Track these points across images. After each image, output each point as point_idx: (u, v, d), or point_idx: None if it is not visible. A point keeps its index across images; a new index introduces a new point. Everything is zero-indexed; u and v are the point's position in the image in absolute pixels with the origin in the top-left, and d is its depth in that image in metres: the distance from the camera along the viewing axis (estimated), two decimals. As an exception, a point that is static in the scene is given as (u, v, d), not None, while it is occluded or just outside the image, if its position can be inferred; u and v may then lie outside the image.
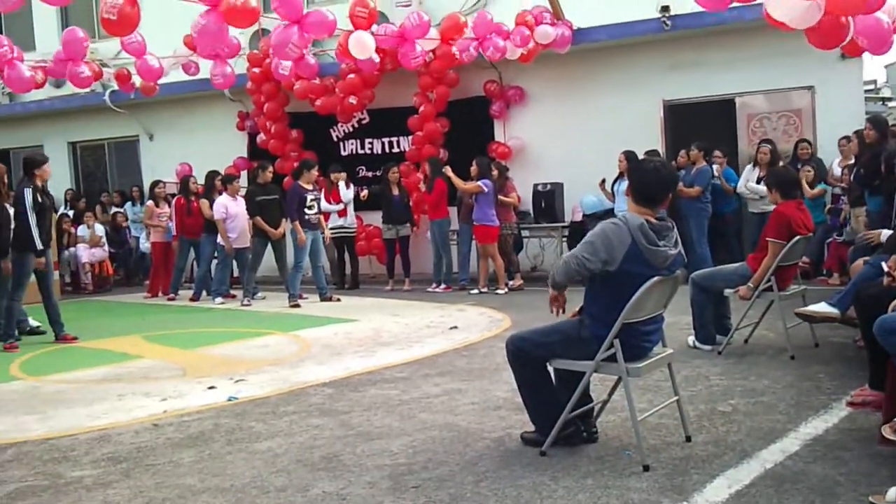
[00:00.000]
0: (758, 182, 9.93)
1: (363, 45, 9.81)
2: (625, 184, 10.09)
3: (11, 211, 8.46)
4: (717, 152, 10.56)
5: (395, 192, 11.51)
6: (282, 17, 8.87)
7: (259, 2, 12.60)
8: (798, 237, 5.87)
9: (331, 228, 11.30)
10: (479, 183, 10.30)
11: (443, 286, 11.05)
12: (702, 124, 11.25)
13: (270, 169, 11.00)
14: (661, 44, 11.30)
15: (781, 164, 10.13)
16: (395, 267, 11.67)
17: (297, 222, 10.21)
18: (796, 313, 5.52)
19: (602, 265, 3.70)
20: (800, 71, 10.49)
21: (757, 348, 6.15)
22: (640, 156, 10.23)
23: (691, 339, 6.24)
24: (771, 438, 3.99)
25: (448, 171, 10.54)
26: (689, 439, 4.01)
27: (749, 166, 10.37)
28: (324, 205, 11.10)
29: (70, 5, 7.10)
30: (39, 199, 7.95)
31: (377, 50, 10.71)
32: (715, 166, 10.44)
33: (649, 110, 11.41)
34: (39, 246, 7.93)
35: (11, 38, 11.14)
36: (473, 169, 10.49)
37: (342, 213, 11.64)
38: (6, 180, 8.40)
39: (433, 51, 11.10)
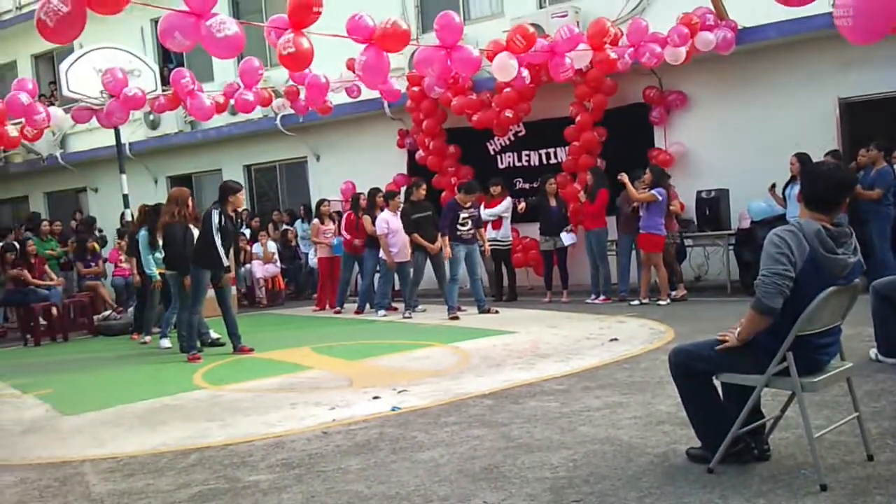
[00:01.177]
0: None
1: (507, 68, 9.90)
2: (797, 188, 9.56)
3: (195, 231, 9.12)
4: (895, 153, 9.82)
5: (553, 203, 11.47)
6: (437, 37, 9.09)
7: (417, 25, 13.05)
8: None
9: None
10: (653, 192, 10.07)
11: (601, 297, 10.89)
12: (882, 122, 10.49)
13: (424, 186, 11.25)
14: (834, 40, 10.56)
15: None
16: (553, 278, 11.61)
17: (446, 237, 10.41)
18: None
19: (794, 269, 3.50)
20: None
21: (950, 362, 5.66)
22: (816, 158, 9.71)
23: (873, 352, 5.82)
24: (965, 459, 3.67)
25: (624, 178, 10.32)
26: (871, 458, 3.74)
27: (938, 166, 9.57)
28: (483, 213, 11.40)
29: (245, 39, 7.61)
30: (223, 223, 8.50)
31: (528, 66, 10.80)
32: (896, 166, 9.71)
33: (823, 110, 10.77)
34: (225, 262, 8.48)
35: (193, 71, 12.06)
36: (647, 177, 10.27)
37: (496, 226, 11.72)
38: (189, 203, 9.04)
39: (591, 61, 11.01)
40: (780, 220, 9.37)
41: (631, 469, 3.93)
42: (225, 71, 15.83)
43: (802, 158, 9.56)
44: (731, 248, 10.88)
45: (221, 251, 8.42)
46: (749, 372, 3.68)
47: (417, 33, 13.06)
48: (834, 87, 10.75)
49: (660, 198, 10.04)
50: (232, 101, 11.94)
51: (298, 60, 7.88)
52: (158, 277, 9.99)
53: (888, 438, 4.06)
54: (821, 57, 10.80)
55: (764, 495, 3.44)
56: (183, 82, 11.16)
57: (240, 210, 9.07)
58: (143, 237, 10.06)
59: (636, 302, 10.28)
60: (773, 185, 10.00)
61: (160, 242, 9.73)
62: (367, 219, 11.56)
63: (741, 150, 11.27)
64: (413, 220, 10.76)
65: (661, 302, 10.14)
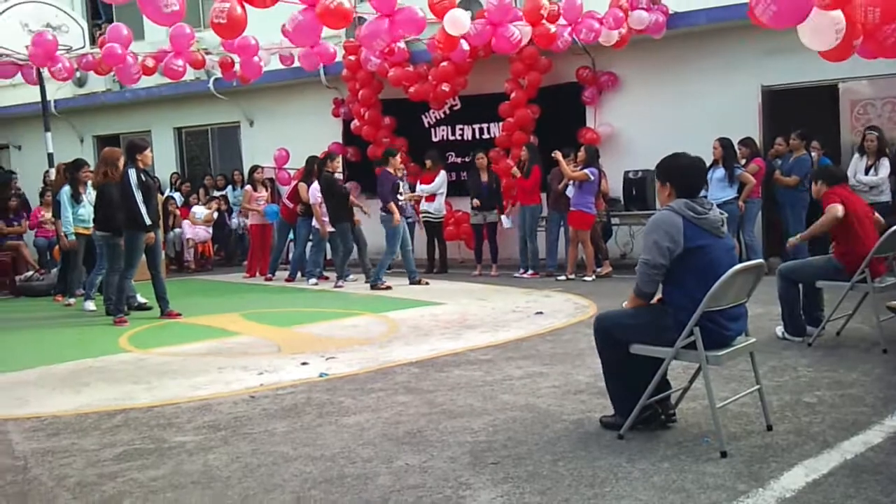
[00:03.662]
0: (866, 172, 9.59)
1: (458, 23, 9.90)
2: (720, 171, 9.93)
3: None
4: (814, 142, 10.27)
5: (484, 178, 11.61)
6: (375, 9, 9.10)
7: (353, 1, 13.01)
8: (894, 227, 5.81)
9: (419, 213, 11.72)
10: (586, 171, 10.29)
11: (530, 272, 11.13)
12: (802, 111, 10.91)
13: (338, 159, 11.34)
14: (759, 28, 10.97)
15: (888, 151, 9.80)
16: (484, 252, 11.80)
17: (391, 204, 10.46)
18: (888, 307, 5.40)
19: (670, 254, 3.82)
20: (907, 55, 10.04)
21: (849, 341, 6.03)
22: (735, 143, 10.06)
23: (779, 330, 6.16)
24: (854, 430, 3.96)
25: (558, 156, 10.47)
26: (770, 428, 4.01)
27: (856, 156, 9.99)
28: (418, 188, 11.68)
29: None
30: (143, 179, 8.39)
31: (470, 42, 10.88)
32: (813, 154, 10.16)
33: (747, 96, 11.13)
34: (148, 221, 8.37)
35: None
36: (581, 156, 10.49)
37: (430, 199, 11.85)
38: (119, 164, 8.86)
39: (534, 36, 11.09)
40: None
41: (547, 435, 4.12)
42: (156, 29, 15.42)
43: (725, 143, 9.91)
44: (655, 227, 11.19)
45: (143, 209, 8.31)
46: (663, 344, 3.89)
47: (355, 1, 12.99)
48: (758, 74, 11.12)
49: (592, 177, 10.28)
50: (161, 65, 11.70)
51: (230, 29, 7.81)
52: (74, 237, 9.83)
53: (787, 410, 4.35)
54: (746, 45, 11.14)
55: (668, 460, 3.67)
56: (118, 52, 10.90)
57: (148, 167, 8.91)
58: (66, 192, 9.87)
59: (563, 277, 10.54)
60: (697, 168, 10.32)
61: (85, 199, 9.65)
62: (302, 186, 11.50)
63: (668, 132, 11.55)
64: (340, 185, 10.80)
65: (586, 278, 10.42)
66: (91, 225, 9.49)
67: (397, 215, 10.42)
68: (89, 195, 9.77)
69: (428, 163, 12.00)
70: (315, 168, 11.33)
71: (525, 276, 11.08)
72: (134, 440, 4.34)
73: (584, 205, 10.33)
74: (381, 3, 9.00)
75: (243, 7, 7.69)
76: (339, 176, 11.36)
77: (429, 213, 11.87)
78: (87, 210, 9.76)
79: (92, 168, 10.09)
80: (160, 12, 7.21)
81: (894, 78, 10.54)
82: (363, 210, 10.96)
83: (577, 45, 11.44)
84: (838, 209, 5.84)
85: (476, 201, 11.59)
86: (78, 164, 10.04)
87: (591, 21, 11.00)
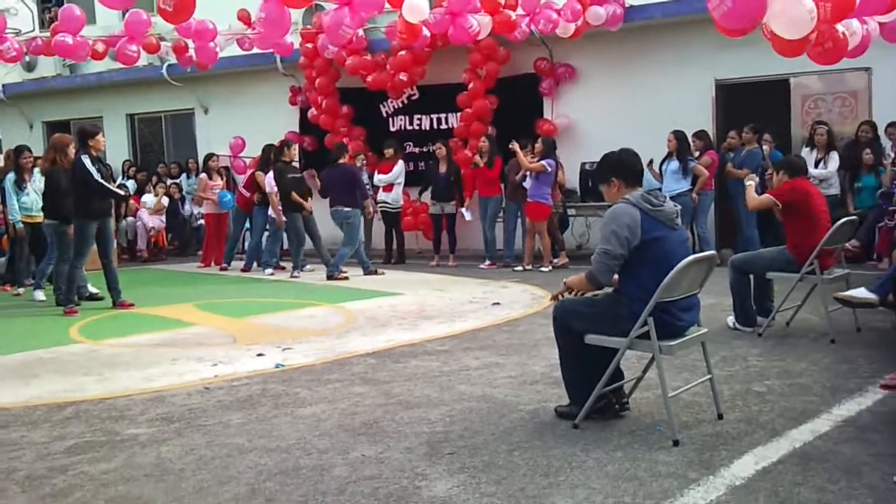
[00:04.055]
0: (816, 165, 9.79)
1: (416, 9, 9.84)
2: (674, 164, 10.07)
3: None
4: (766, 136, 10.45)
5: (443, 168, 11.60)
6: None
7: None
8: (844, 219, 5.97)
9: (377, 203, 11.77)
10: (543, 162, 10.33)
11: (487, 263, 11.16)
12: (754, 105, 11.09)
13: (295, 146, 11.27)
14: (713, 23, 11.13)
15: (837, 145, 10.00)
16: (442, 243, 11.80)
17: (368, 200, 10.58)
18: (835, 298, 5.51)
19: (629, 244, 3.86)
20: (857, 51, 10.24)
21: (798, 331, 6.16)
22: (689, 135, 10.20)
23: (731, 320, 6.28)
24: (803, 419, 4.05)
25: (515, 146, 10.48)
26: (720, 417, 4.09)
27: (806, 150, 10.18)
28: (376, 178, 11.69)
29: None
30: (98, 167, 8.23)
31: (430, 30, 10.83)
32: (764, 147, 10.33)
33: (701, 90, 11.29)
34: (121, 193, 8.29)
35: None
36: (538, 147, 10.52)
37: (387, 189, 11.82)
38: (69, 151, 8.66)
39: (494, 25, 11.07)
40: (657, 194, 9.84)
41: (503, 425, 4.15)
42: (109, 13, 15.10)
43: (679, 136, 10.04)
44: (611, 219, 11.30)
45: (110, 186, 8.23)
46: (618, 334, 3.93)
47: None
48: (712, 68, 11.27)
49: (549, 168, 10.34)
50: (113, 50, 11.43)
51: (177, 14, 7.68)
52: (21, 225, 9.61)
53: (737, 399, 4.43)
54: (701, 39, 11.24)
55: (622, 448, 3.72)
56: (69, 42, 10.65)
57: (101, 153, 8.75)
58: (10, 180, 9.64)
59: (520, 268, 10.59)
60: (651, 161, 10.45)
61: (29, 187, 9.45)
62: (260, 175, 11.38)
63: (624, 124, 11.66)
64: (289, 179, 10.70)
65: (543, 269, 10.48)
66: (35, 213, 9.31)
67: (370, 209, 10.61)
68: (35, 183, 9.57)
69: (388, 152, 11.94)
70: (272, 156, 11.24)
71: (483, 266, 11.10)
72: (85, 433, 4.27)
73: (540, 196, 10.39)
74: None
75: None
76: (295, 165, 11.26)
77: (386, 203, 11.84)
78: (30, 198, 9.57)
79: (34, 154, 9.89)
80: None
81: (844, 73, 10.76)
82: (305, 207, 10.74)
83: (535, 35, 11.48)
84: (771, 201, 6.10)
85: (420, 200, 11.61)
86: (19, 151, 9.82)
87: (549, 12, 11.05)
